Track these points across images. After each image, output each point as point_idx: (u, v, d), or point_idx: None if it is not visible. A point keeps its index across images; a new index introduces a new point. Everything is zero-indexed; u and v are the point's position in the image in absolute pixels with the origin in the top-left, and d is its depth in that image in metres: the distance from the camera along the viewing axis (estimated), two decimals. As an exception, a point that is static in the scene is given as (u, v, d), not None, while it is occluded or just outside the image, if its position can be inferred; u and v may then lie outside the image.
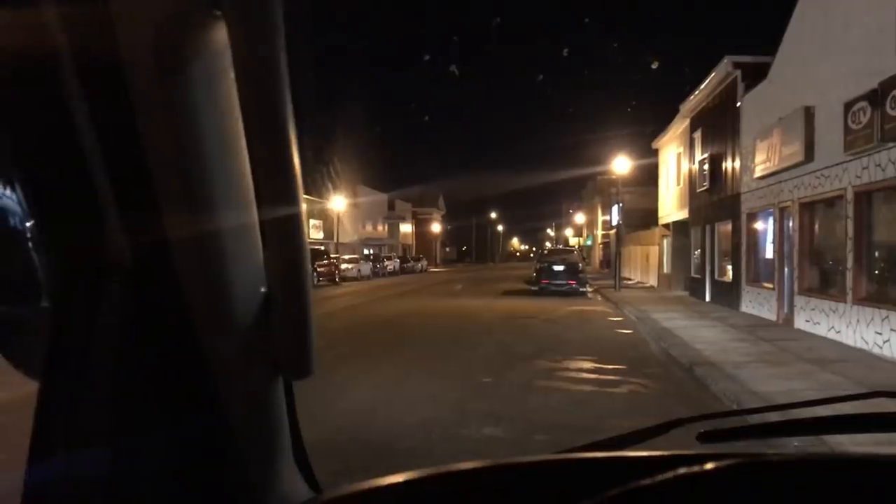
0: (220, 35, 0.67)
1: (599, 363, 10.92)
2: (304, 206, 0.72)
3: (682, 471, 0.58)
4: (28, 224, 0.75)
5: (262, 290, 0.75)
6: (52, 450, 0.75)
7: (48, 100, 0.68)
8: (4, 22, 0.65)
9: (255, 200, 0.73)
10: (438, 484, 0.86)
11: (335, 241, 50.45)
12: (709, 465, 0.60)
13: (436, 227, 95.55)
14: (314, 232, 51.92)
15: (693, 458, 0.93)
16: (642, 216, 38.69)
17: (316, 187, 51.47)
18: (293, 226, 0.73)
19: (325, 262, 38.57)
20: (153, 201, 0.69)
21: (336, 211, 51.21)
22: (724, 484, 0.61)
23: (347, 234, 56.27)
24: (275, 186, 0.72)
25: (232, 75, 0.68)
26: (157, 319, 0.76)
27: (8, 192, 0.74)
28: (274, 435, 0.87)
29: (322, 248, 43.18)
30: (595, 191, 63.17)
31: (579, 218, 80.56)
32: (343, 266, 42.21)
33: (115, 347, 0.75)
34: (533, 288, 28.92)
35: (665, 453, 0.96)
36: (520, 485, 0.91)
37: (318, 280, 36.35)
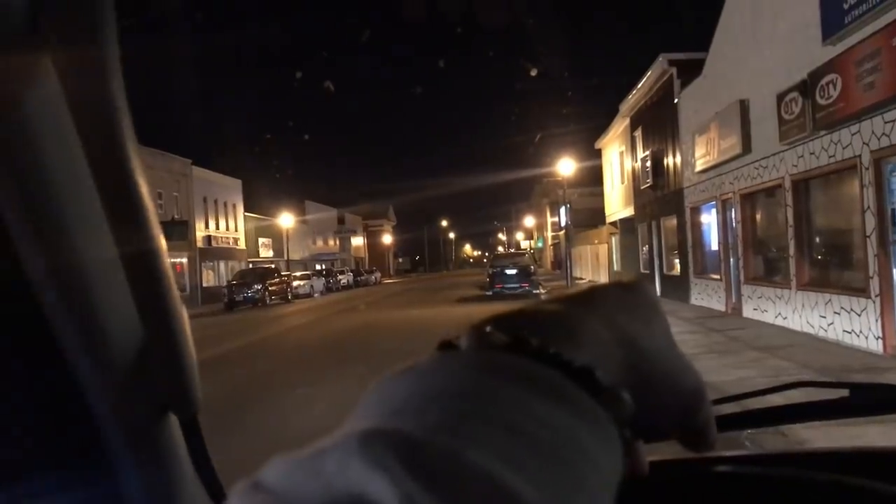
0: (44, 58, 0.61)
1: (555, 364, 10.93)
2: (162, 240, 0.68)
3: None
4: None
5: (138, 326, 0.70)
6: None
7: None
8: None
9: (111, 234, 0.67)
10: None
11: (286, 258, 49.97)
12: None
13: (387, 239, 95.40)
14: (263, 250, 51.25)
15: None
16: (590, 215, 39.18)
17: (262, 205, 50.96)
18: (151, 258, 0.68)
19: (277, 280, 38.11)
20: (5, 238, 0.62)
21: (285, 228, 50.73)
22: None
23: (298, 250, 55.80)
24: (125, 218, 0.66)
25: (65, 106, 0.62)
26: (26, 363, 0.68)
27: None
28: (174, 481, 0.80)
29: (273, 266, 42.67)
30: (542, 193, 63.81)
31: (529, 221, 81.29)
32: (295, 283, 41.71)
33: None
34: (487, 293, 29.03)
35: None
36: None
37: (271, 299, 35.95)
